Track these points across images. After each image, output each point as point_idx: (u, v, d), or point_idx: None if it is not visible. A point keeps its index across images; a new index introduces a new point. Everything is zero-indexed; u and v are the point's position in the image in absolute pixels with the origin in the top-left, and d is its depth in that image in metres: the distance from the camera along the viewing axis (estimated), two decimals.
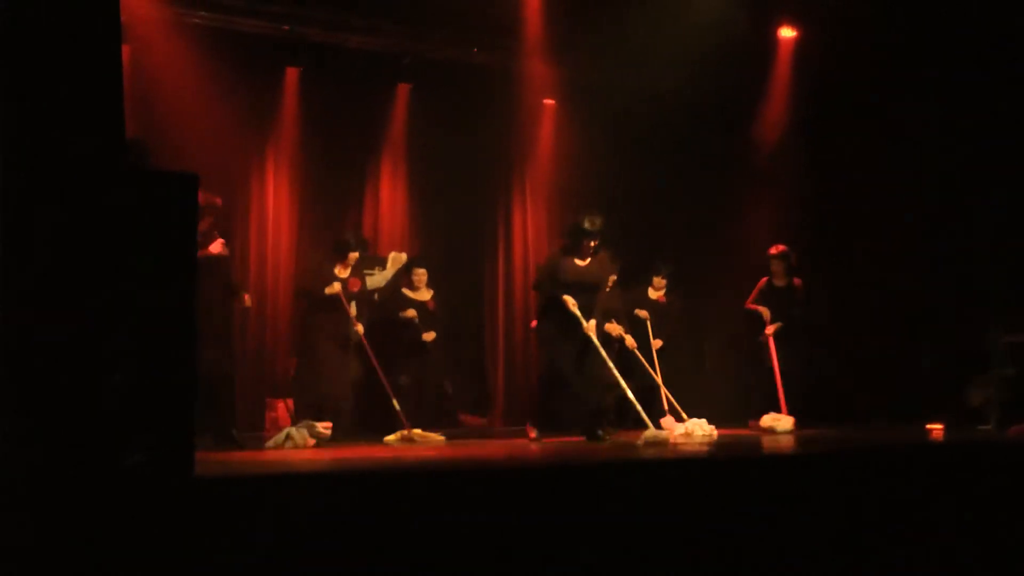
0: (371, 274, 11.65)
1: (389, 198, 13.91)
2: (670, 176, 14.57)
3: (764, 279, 12.41)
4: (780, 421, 11.18)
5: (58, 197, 4.45)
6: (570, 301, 9.37)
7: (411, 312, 11.41)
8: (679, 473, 6.01)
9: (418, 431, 10.09)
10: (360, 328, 10.53)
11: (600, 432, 9.42)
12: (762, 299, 12.31)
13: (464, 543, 4.80)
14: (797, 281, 12.31)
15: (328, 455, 7.87)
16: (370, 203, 13.83)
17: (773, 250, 12.31)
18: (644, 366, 11.88)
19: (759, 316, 12.21)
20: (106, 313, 4.54)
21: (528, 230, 14.84)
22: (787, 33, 13.50)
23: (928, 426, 10.47)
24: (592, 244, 9.59)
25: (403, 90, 13.81)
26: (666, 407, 11.78)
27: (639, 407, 9.43)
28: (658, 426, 10.29)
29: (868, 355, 12.54)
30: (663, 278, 12.71)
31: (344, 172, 13.69)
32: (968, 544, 6.17)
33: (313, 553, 4.48)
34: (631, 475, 5.84)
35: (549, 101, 14.66)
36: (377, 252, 13.28)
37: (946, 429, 10.30)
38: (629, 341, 11.60)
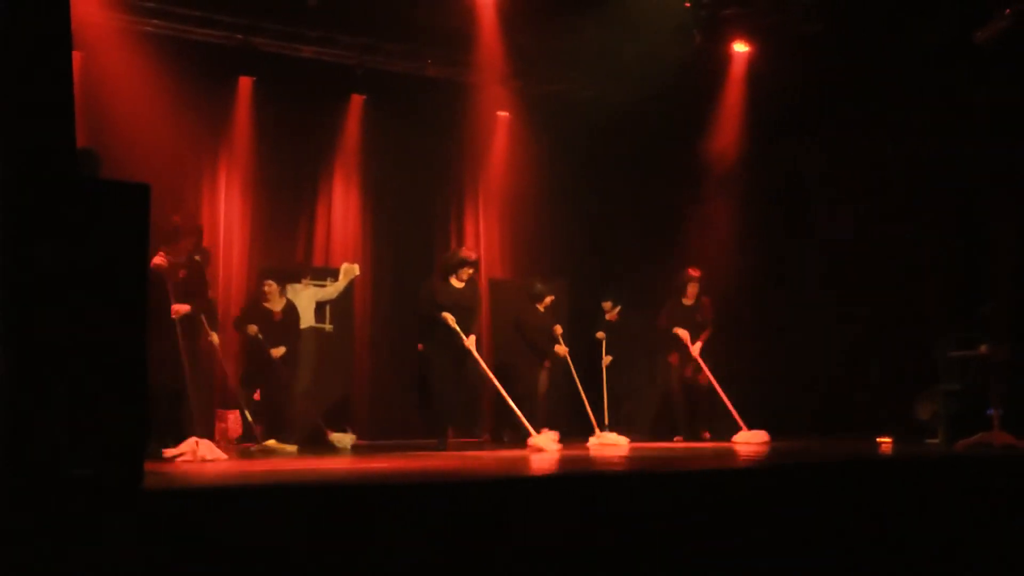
0: (322, 285, 11.61)
1: (342, 209, 13.86)
2: (623, 189, 14.66)
3: (671, 299, 12.83)
4: (753, 435, 11.62)
5: (6, 207, 4.40)
6: (450, 318, 10.42)
7: (252, 328, 11.01)
8: (623, 487, 6.02)
9: (271, 441, 10.33)
10: (215, 338, 10.04)
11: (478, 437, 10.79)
12: (673, 318, 12.69)
13: (415, 556, 4.79)
14: (706, 300, 12.74)
15: (279, 467, 7.82)
16: (323, 213, 13.78)
17: (694, 272, 12.72)
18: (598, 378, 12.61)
19: (674, 337, 12.58)
20: (56, 324, 4.49)
21: (481, 241, 14.83)
22: (740, 48, 13.55)
23: (877, 440, 10.56)
24: (470, 272, 10.79)
25: (357, 101, 13.78)
26: (606, 421, 12.38)
27: (520, 414, 10.36)
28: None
29: (818, 369, 12.63)
30: (609, 300, 13.23)
31: (297, 182, 13.64)
32: (916, 556, 6.22)
33: (263, 565, 4.45)
34: (572, 489, 5.85)
35: (503, 113, 14.68)
36: (329, 263, 13.25)
37: (895, 443, 10.39)
38: (562, 349, 12.18)
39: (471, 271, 10.83)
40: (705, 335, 12.57)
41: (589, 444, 11.24)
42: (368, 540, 4.72)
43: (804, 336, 12.88)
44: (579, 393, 12.02)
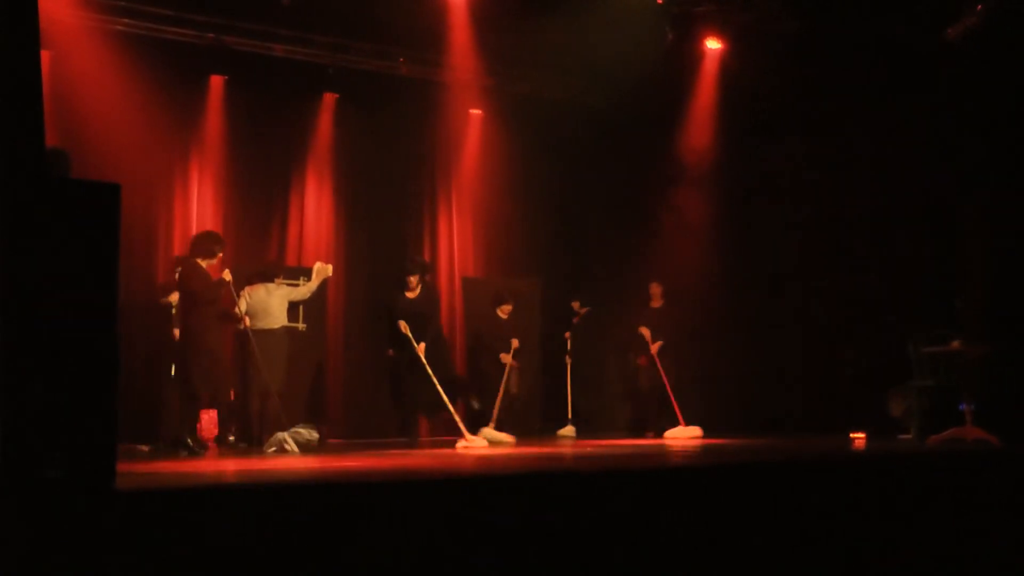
0: (296, 285, 11.57)
1: (315, 208, 13.83)
2: (596, 186, 14.70)
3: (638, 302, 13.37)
4: (687, 431, 12.24)
5: None
6: (404, 325, 11.17)
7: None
8: (596, 486, 6.02)
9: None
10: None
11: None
12: (641, 320, 13.19)
13: (383, 556, 4.78)
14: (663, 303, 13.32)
15: (250, 466, 7.79)
16: (295, 213, 13.74)
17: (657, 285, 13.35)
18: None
19: (640, 337, 13.09)
20: (26, 323, 4.46)
21: (454, 239, 14.84)
22: (713, 45, 13.57)
23: (851, 435, 10.60)
24: (414, 279, 11.51)
25: (329, 100, 13.76)
26: (568, 415, 13.42)
27: (458, 418, 11.01)
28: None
29: (791, 366, 12.67)
30: (578, 301, 13.99)
31: (269, 181, 13.60)
32: (888, 552, 6.24)
33: (234, 564, 4.43)
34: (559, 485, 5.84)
35: (476, 112, 14.68)
36: (302, 263, 13.21)
37: (868, 438, 10.44)
38: (506, 358, 12.73)
39: (416, 277, 11.53)
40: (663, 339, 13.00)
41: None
42: (340, 538, 4.71)
43: (777, 333, 12.92)
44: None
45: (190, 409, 10.34)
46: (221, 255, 10.65)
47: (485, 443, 10.69)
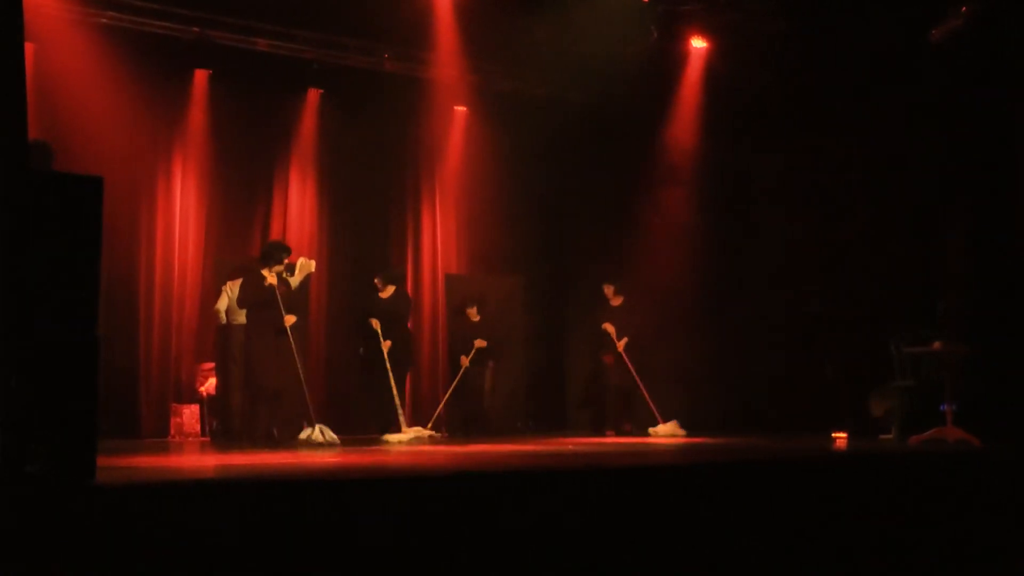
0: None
1: (298, 203, 13.78)
2: (580, 185, 14.72)
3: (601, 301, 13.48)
4: (667, 427, 12.46)
5: None
6: (375, 322, 12.03)
7: None
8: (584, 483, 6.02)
9: None
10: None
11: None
12: (603, 319, 13.30)
13: (369, 554, 4.77)
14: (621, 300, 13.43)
15: (231, 462, 7.77)
16: (279, 208, 13.69)
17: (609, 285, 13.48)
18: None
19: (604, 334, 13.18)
20: (5, 317, 4.44)
21: (437, 236, 14.81)
22: (698, 44, 13.57)
23: (832, 435, 10.62)
24: (383, 284, 12.31)
25: (314, 95, 13.73)
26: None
27: (400, 410, 11.80)
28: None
29: (773, 365, 12.68)
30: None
31: (253, 176, 13.56)
32: (869, 551, 6.25)
33: (213, 563, 4.42)
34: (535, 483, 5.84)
35: (460, 108, 14.67)
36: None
37: (849, 438, 10.46)
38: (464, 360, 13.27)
39: (386, 284, 12.31)
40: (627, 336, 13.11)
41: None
42: (323, 533, 4.71)
43: (760, 334, 12.92)
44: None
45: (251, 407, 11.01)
46: (287, 260, 11.23)
47: (407, 438, 11.23)
